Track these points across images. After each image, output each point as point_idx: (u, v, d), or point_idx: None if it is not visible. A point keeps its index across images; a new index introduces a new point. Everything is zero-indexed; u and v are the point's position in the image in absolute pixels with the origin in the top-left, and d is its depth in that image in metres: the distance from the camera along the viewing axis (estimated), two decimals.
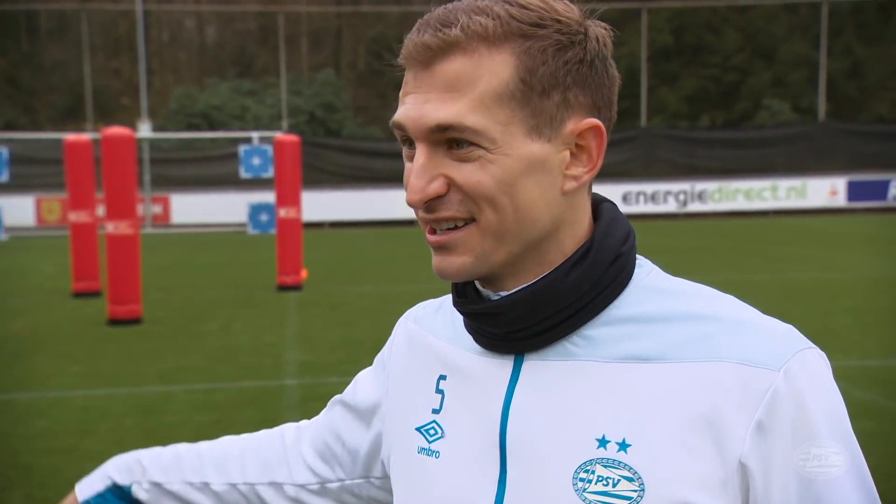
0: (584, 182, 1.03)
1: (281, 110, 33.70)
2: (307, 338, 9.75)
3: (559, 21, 0.99)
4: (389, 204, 28.27)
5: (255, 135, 19.29)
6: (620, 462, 0.97)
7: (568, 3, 1.01)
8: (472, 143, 0.97)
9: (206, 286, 14.37)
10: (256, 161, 18.46)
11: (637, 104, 32.30)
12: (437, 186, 0.99)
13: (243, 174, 18.70)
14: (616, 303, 1.03)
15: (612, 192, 28.09)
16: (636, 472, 0.96)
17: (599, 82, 1.01)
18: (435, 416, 1.11)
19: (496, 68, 0.97)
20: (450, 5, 1.02)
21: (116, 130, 11.04)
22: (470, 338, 1.10)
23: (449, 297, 1.20)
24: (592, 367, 1.01)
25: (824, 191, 28.71)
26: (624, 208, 28.04)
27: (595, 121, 1.01)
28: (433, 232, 1.02)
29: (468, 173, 0.98)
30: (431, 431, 1.11)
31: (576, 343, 1.03)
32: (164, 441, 1.65)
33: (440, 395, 1.11)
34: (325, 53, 42.78)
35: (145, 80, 31.87)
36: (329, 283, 14.43)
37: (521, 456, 1.02)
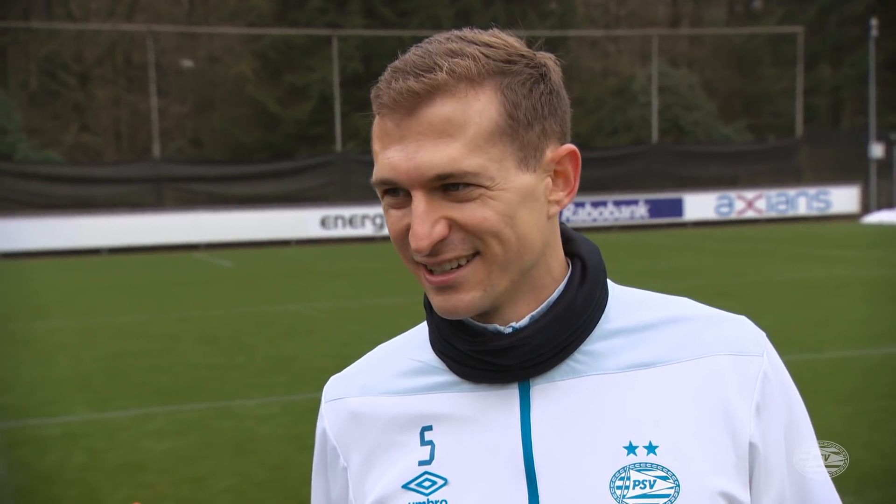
0: (564, 205, 1.07)
1: None
2: (0, 378, 8.93)
3: (524, 56, 1.03)
4: (73, 232, 26.53)
5: None
6: (653, 464, 1.02)
7: (516, 37, 1.06)
8: (470, 184, 0.99)
9: None
10: None
11: (332, 129, 32.80)
12: (440, 229, 1.00)
13: None
14: (604, 317, 1.10)
15: (310, 216, 28.31)
16: (669, 471, 1.02)
17: (564, 110, 1.07)
18: (425, 468, 1.08)
19: (483, 108, 1.00)
20: (418, 51, 1.02)
21: None
22: (443, 380, 1.11)
23: (368, 358, 1.21)
24: (601, 379, 1.07)
25: None
26: (322, 232, 28.48)
27: (572, 147, 1.06)
28: (432, 273, 1.03)
29: (471, 212, 1.00)
30: (426, 483, 1.08)
31: (578, 360, 1.07)
32: None
33: (428, 447, 1.09)
34: None
35: None
36: (14, 319, 13.30)
37: (552, 477, 1.04)
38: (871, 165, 33.26)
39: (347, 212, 28.59)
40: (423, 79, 0.98)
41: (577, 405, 1.06)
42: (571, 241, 1.12)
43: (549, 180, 1.05)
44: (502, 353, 1.06)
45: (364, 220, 28.65)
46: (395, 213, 1.04)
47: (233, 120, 37.33)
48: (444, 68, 0.99)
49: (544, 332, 1.05)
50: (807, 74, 37.83)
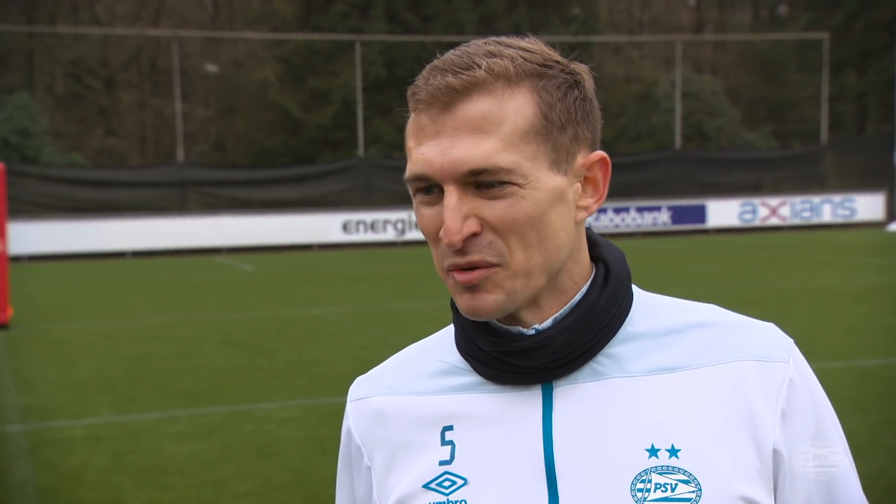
0: (592, 212, 1.08)
1: None
2: (25, 380, 9.00)
3: (559, 62, 1.06)
4: (96, 235, 26.75)
5: None
6: (674, 467, 1.02)
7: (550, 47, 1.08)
8: (503, 182, 1.00)
9: None
10: None
11: (354, 134, 32.89)
12: (472, 225, 1.01)
13: None
14: (627, 320, 1.10)
15: (332, 221, 28.39)
16: (691, 475, 1.02)
17: (595, 118, 1.09)
18: (445, 468, 1.09)
19: (519, 107, 1.01)
20: (456, 52, 1.04)
21: None
22: (467, 381, 1.11)
23: (395, 359, 1.21)
24: (623, 382, 1.07)
25: None
26: (344, 237, 28.57)
27: (602, 153, 1.08)
28: (459, 272, 1.03)
29: (502, 210, 1.01)
30: (446, 483, 1.08)
31: (601, 363, 1.08)
32: None
33: (449, 447, 1.09)
34: (16, 75, 39.65)
35: None
36: (39, 320, 13.41)
37: (573, 479, 1.04)
38: None
39: (369, 216, 28.63)
40: (462, 75, 1.00)
41: (599, 407, 1.06)
42: (596, 245, 1.13)
43: (578, 186, 1.07)
44: (525, 355, 1.06)
45: (386, 225, 28.67)
46: (426, 211, 1.04)
47: (256, 124, 37.51)
48: (483, 66, 1.01)
49: (566, 334, 1.06)
50: (832, 81, 37.55)
